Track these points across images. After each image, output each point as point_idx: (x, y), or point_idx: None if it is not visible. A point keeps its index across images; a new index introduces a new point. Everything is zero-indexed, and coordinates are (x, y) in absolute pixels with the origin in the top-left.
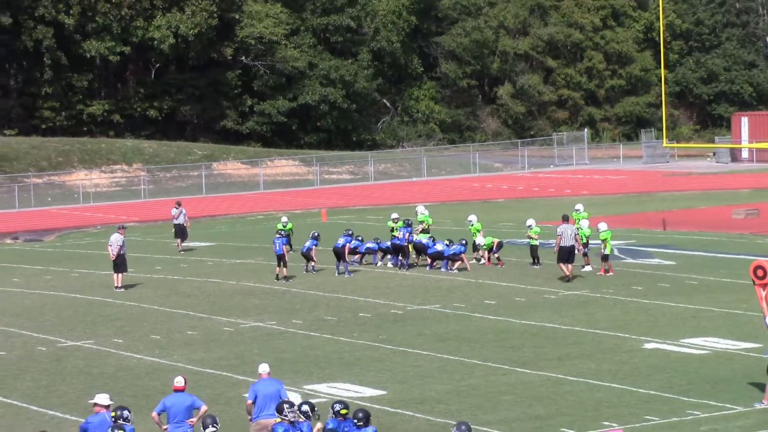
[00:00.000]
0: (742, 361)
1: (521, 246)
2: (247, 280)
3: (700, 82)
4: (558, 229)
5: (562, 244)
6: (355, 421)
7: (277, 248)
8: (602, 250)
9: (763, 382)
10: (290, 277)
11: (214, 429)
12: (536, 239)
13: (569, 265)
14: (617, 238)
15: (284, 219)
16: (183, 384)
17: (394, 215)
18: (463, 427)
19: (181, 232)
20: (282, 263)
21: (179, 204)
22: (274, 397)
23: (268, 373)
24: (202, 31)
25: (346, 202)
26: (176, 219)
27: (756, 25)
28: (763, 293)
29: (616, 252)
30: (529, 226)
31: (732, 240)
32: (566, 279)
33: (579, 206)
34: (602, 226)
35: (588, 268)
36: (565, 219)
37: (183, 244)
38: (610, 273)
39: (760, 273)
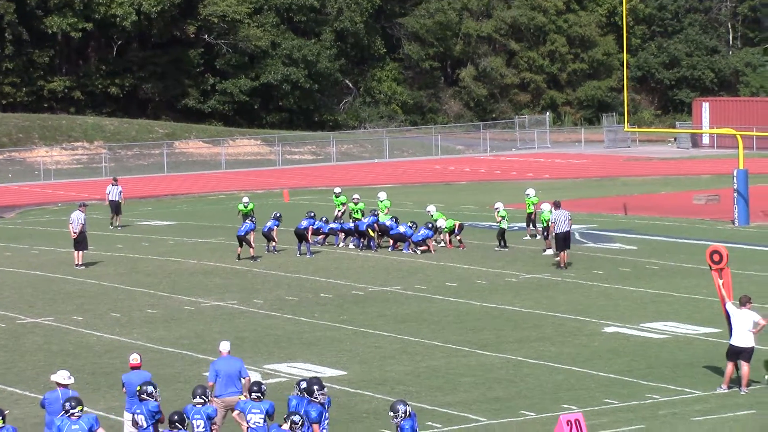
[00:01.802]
0: (702, 345)
1: (483, 229)
2: (208, 259)
3: (662, 67)
4: (552, 216)
5: (556, 231)
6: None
7: (240, 230)
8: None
9: (722, 366)
10: (257, 257)
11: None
12: (502, 222)
13: (566, 252)
14: (578, 222)
15: (245, 199)
16: (139, 361)
17: (356, 196)
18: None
19: (115, 208)
20: (246, 243)
21: (116, 180)
22: (235, 375)
23: (229, 351)
24: (164, 9)
25: (308, 182)
26: (110, 195)
27: (718, 11)
28: (720, 279)
29: (577, 236)
30: (496, 209)
31: (692, 225)
32: (559, 266)
33: (530, 191)
34: (545, 206)
35: (549, 251)
36: (557, 205)
37: (119, 220)
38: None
39: (716, 258)
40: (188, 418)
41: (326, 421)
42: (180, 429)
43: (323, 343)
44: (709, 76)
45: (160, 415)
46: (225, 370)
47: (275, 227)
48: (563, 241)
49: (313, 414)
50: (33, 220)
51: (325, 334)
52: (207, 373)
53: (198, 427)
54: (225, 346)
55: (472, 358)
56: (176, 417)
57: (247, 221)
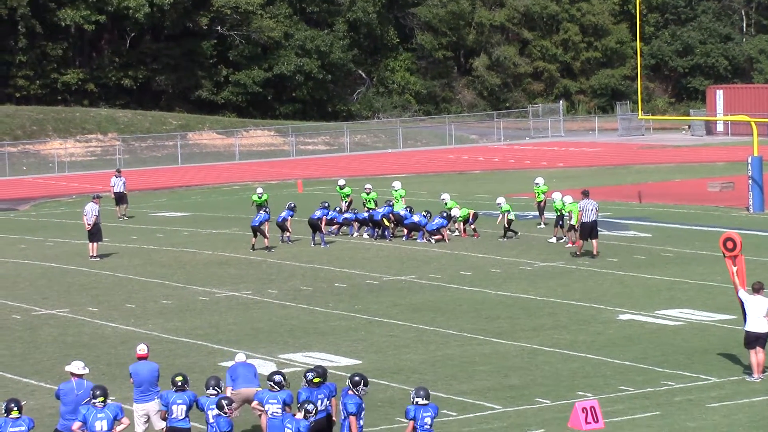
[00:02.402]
0: (717, 332)
1: (497, 217)
2: (222, 250)
3: (676, 54)
4: (579, 205)
5: (583, 220)
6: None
7: (254, 220)
8: (569, 221)
9: (737, 353)
10: (271, 248)
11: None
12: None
13: (594, 241)
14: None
15: (259, 190)
16: (146, 352)
17: (368, 186)
18: (421, 392)
19: (120, 198)
20: (260, 234)
21: (119, 172)
22: (251, 376)
23: (244, 361)
24: (177, 1)
25: (322, 173)
26: (115, 187)
27: None
28: (734, 266)
29: None
30: (498, 204)
31: (707, 213)
32: (589, 255)
33: (539, 180)
34: (567, 198)
35: (553, 239)
36: (586, 194)
37: (126, 210)
38: (577, 244)
39: (729, 245)
40: (202, 409)
41: (363, 414)
42: (219, 392)
43: (338, 332)
44: (723, 64)
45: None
46: (241, 373)
47: (289, 217)
48: (590, 230)
49: (352, 407)
50: (47, 213)
51: (340, 323)
52: (222, 364)
53: (213, 416)
54: (241, 357)
55: (487, 347)
56: (213, 381)
57: (261, 212)
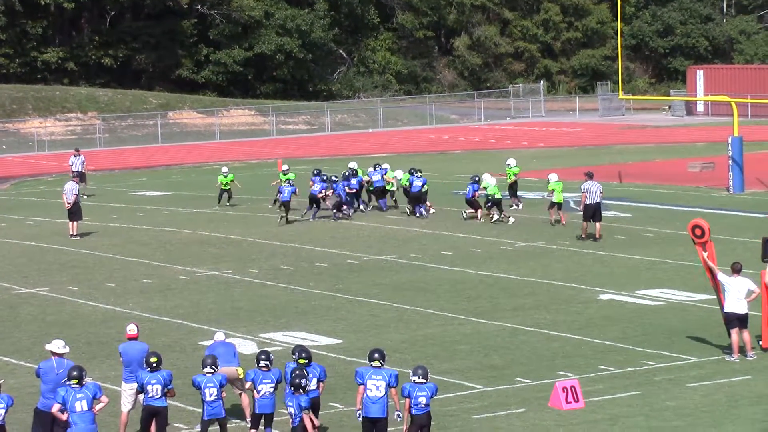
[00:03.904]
0: (697, 312)
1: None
2: (203, 229)
3: (656, 35)
4: (582, 186)
5: (587, 202)
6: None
7: (285, 195)
8: (552, 200)
9: (718, 333)
10: (295, 220)
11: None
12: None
13: (597, 224)
14: (573, 190)
15: (224, 169)
16: (136, 332)
17: (352, 164)
18: (419, 371)
19: (80, 178)
20: (286, 208)
21: (77, 151)
22: (230, 355)
23: (224, 340)
24: None
25: (302, 152)
26: (73, 166)
27: None
28: (705, 252)
29: (572, 204)
30: (485, 189)
31: (687, 193)
32: (592, 238)
33: (511, 161)
34: (553, 176)
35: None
36: (590, 176)
37: (85, 188)
38: (562, 222)
39: (698, 232)
40: (199, 387)
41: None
42: (215, 371)
43: (319, 311)
44: (703, 44)
45: (172, 386)
46: (221, 352)
47: (324, 190)
48: (593, 212)
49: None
50: (27, 191)
51: (321, 303)
52: (202, 343)
53: (211, 395)
54: (220, 336)
55: (468, 326)
56: (209, 360)
57: (286, 186)
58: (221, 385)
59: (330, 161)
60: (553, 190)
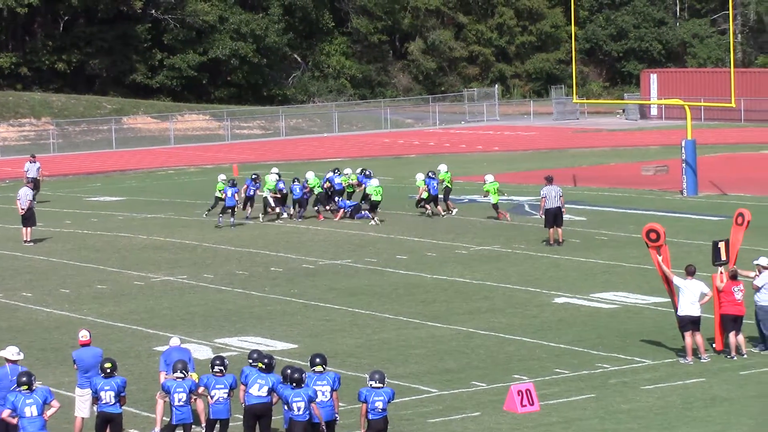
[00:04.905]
0: (651, 315)
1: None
2: (157, 234)
3: (610, 39)
4: (542, 191)
5: (547, 206)
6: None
7: (230, 198)
8: (490, 201)
9: (672, 336)
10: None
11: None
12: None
13: (559, 229)
14: (528, 194)
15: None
16: (88, 338)
17: (310, 173)
18: (376, 376)
19: (33, 184)
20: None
21: (33, 157)
22: (186, 358)
23: (179, 345)
24: None
25: (257, 157)
26: (29, 172)
27: None
28: (659, 256)
29: (527, 208)
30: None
31: (641, 196)
32: (555, 243)
33: (442, 166)
34: (489, 177)
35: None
36: (549, 180)
37: (37, 195)
38: (508, 219)
39: (653, 236)
40: (169, 392)
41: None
42: (185, 376)
43: (274, 316)
44: (657, 48)
45: (125, 393)
46: (176, 357)
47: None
48: (554, 217)
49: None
50: None
51: (276, 307)
52: (157, 348)
53: (180, 400)
54: (175, 341)
55: (423, 330)
56: (180, 365)
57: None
58: (191, 390)
59: (285, 166)
60: (488, 192)
